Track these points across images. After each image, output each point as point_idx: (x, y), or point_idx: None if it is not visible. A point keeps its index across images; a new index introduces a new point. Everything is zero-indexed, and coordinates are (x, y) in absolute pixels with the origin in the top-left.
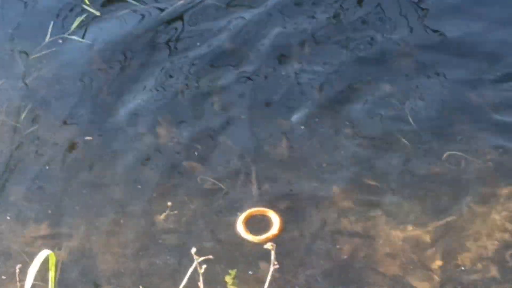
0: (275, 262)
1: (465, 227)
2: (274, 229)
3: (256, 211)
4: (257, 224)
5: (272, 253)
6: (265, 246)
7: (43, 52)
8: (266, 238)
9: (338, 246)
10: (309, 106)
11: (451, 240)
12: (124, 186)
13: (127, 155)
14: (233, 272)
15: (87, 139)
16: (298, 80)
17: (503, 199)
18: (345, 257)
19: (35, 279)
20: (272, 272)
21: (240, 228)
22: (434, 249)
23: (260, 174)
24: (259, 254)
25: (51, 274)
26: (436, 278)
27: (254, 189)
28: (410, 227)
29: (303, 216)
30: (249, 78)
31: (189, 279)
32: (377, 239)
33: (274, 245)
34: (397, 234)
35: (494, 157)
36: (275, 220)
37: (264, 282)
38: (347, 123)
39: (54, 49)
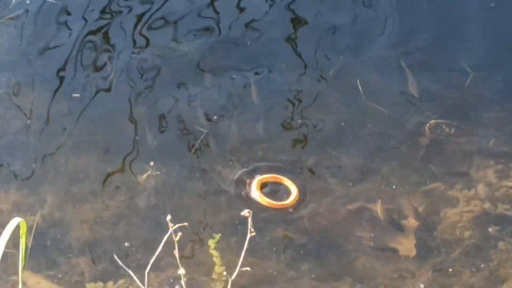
0: (252, 229)
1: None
2: (291, 198)
3: (272, 177)
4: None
5: (249, 220)
6: (242, 213)
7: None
8: (282, 204)
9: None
10: None
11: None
12: (101, 151)
13: (104, 119)
14: (217, 236)
15: (75, 96)
16: None
17: None
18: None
19: (7, 247)
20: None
21: (254, 191)
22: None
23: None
24: (240, 220)
25: (22, 242)
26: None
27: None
28: None
29: None
30: None
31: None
32: None
33: (251, 211)
34: None
35: None
36: (293, 189)
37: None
38: None
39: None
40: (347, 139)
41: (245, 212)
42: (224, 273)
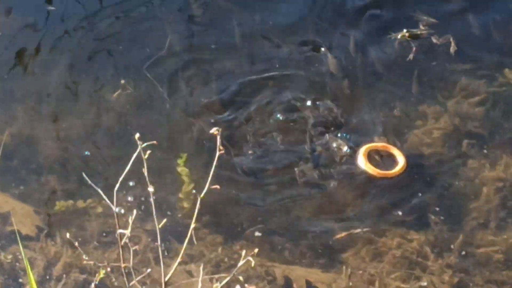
0: (221, 147)
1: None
2: (398, 167)
3: (381, 146)
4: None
5: (218, 138)
6: (211, 131)
7: None
8: (387, 173)
9: None
10: None
11: None
12: (71, 68)
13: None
14: (184, 155)
15: (50, 9)
16: None
17: None
18: None
19: None
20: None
21: (361, 159)
22: None
23: None
24: (209, 138)
25: None
26: None
27: None
28: None
29: None
30: None
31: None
32: None
33: (220, 129)
34: None
35: None
36: (400, 158)
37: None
38: None
39: None
40: None
41: (214, 130)
42: (193, 191)
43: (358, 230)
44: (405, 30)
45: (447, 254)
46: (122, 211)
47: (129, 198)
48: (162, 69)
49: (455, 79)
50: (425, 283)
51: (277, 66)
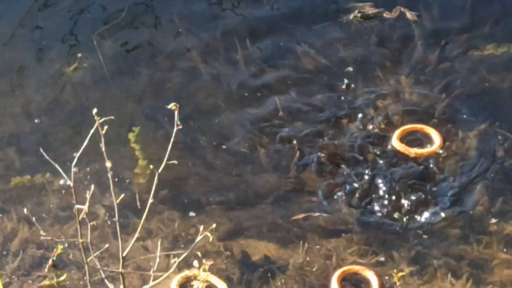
0: (179, 123)
1: None
2: (434, 146)
3: (415, 127)
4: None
5: (176, 113)
6: (169, 106)
7: None
8: (422, 153)
9: None
10: None
11: None
12: (25, 43)
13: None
14: (136, 129)
15: None
16: None
17: None
18: None
19: None
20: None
21: (395, 141)
22: None
23: None
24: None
25: None
26: None
27: None
28: None
29: None
30: None
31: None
32: None
33: (177, 105)
34: None
35: None
36: (436, 137)
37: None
38: None
39: None
40: None
41: (172, 105)
42: (151, 166)
43: (317, 214)
44: (356, 11)
45: (404, 229)
46: (80, 186)
47: (87, 173)
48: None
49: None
50: (382, 258)
51: None
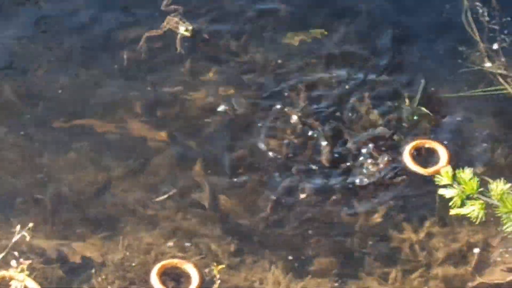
0: None
1: None
2: (442, 162)
3: (424, 142)
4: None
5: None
6: None
7: None
8: (434, 170)
9: None
10: None
11: None
12: None
13: None
14: None
15: None
16: None
17: None
18: None
19: None
20: None
21: (407, 158)
22: None
23: None
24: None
25: None
26: None
27: None
28: None
29: None
30: None
31: None
32: None
33: None
34: None
35: None
36: (442, 153)
37: None
38: None
39: None
40: None
41: None
42: None
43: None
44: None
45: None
46: None
47: None
48: None
49: None
50: (203, 251)
51: None
